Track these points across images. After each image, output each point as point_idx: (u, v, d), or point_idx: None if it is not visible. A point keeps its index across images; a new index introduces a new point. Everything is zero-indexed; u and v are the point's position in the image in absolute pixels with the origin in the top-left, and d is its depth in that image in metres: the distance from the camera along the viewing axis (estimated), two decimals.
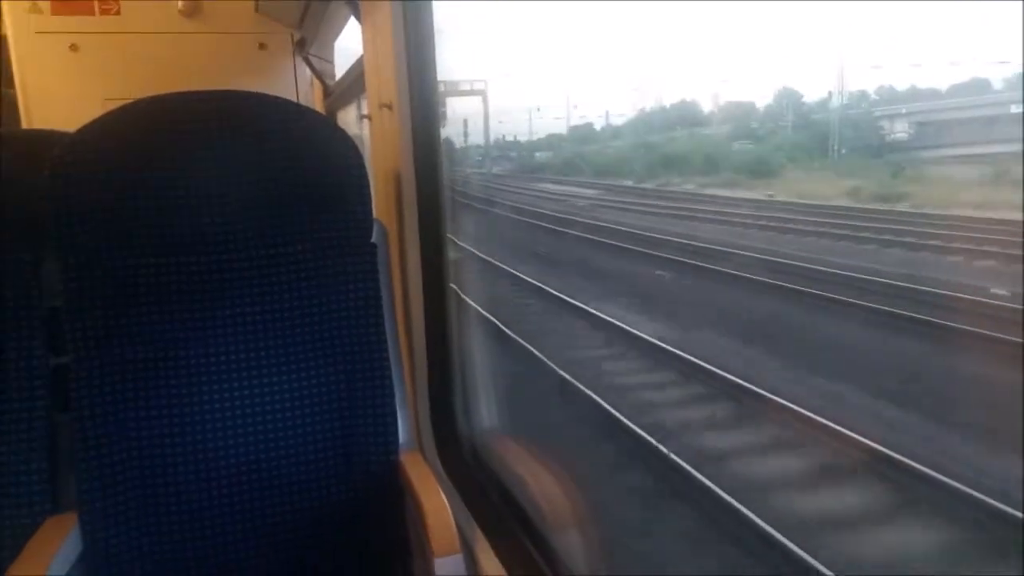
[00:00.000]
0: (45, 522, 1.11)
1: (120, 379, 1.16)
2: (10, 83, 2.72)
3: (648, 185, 14.25)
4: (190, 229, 1.19)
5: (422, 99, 1.41)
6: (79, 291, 1.14)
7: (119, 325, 1.16)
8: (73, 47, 2.73)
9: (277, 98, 1.25)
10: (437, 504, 1.11)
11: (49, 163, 1.13)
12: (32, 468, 1.14)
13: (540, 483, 1.26)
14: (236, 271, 1.21)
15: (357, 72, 2.20)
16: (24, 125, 2.70)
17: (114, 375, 1.16)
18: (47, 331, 1.18)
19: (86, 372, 1.14)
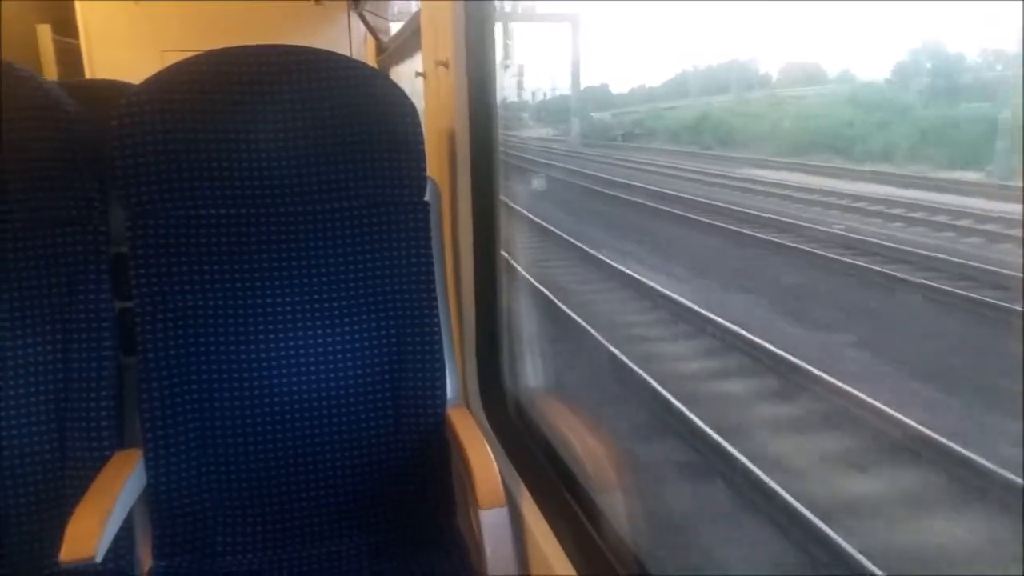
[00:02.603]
0: (112, 457, 1.17)
1: (181, 324, 1.21)
2: (75, 32, 2.79)
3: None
4: (248, 182, 1.22)
5: (479, 57, 1.41)
6: (143, 239, 1.19)
7: (180, 273, 1.20)
8: None
9: (333, 53, 1.26)
10: (483, 458, 1.14)
11: (116, 114, 1.16)
12: (101, 406, 1.19)
13: (584, 442, 1.28)
14: (291, 224, 1.24)
15: (412, 28, 2.20)
16: (87, 75, 2.77)
17: (175, 320, 1.20)
18: (113, 276, 1.23)
19: (149, 317, 1.19)
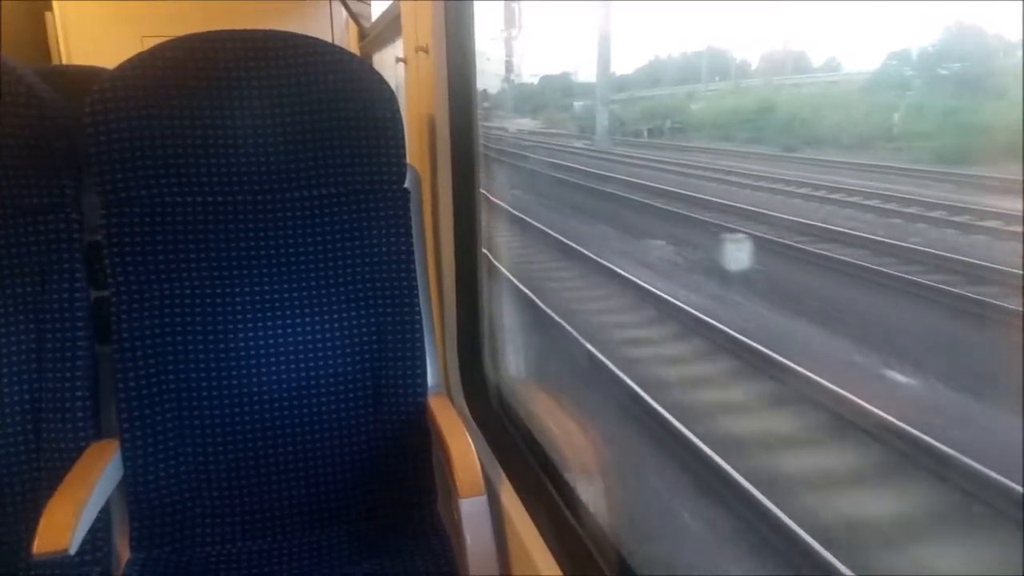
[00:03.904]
0: (88, 448, 1.16)
1: (157, 313, 1.19)
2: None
3: None
4: (226, 168, 1.20)
5: (459, 43, 1.39)
6: (118, 226, 1.17)
7: (156, 261, 1.19)
8: None
9: (313, 39, 1.24)
10: (463, 446, 1.13)
11: (88, 100, 1.14)
12: (76, 396, 1.18)
13: (563, 430, 1.28)
14: (270, 211, 1.23)
15: (393, 14, 2.17)
16: (63, 60, 2.73)
17: (152, 309, 1.19)
18: (88, 265, 1.21)
19: (125, 305, 1.18)
